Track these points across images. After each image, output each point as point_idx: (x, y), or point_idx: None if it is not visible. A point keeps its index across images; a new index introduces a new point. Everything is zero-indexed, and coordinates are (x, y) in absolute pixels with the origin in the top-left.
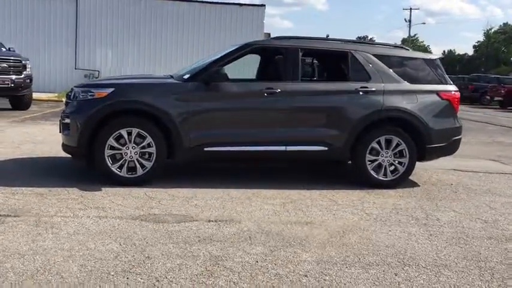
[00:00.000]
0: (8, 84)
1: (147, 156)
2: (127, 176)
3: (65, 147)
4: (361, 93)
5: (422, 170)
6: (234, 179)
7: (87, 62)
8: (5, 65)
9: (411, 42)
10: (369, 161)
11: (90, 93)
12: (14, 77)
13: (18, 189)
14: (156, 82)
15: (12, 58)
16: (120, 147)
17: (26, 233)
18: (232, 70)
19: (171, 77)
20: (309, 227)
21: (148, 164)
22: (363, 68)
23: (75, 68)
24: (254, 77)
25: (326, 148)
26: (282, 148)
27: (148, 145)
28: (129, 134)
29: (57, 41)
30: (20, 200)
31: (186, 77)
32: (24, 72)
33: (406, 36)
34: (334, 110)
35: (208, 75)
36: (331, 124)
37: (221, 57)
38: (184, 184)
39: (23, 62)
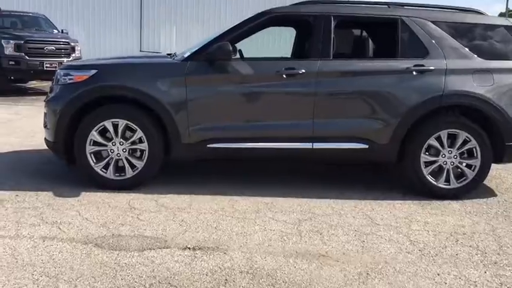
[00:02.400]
0: (56, 67)
1: (138, 154)
2: (113, 178)
3: (45, 141)
4: (414, 73)
5: (505, 171)
6: (247, 183)
7: (151, 44)
8: (53, 48)
9: (510, 15)
10: (425, 162)
11: (69, 77)
12: (63, 59)
13: None
14: (146, 62)
15: (61, 40)
16: (105, 142)
17: None
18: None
19: (171, 56)
20: (319, 263)
21: (140, 164)
22: (418, 39)
23: (140, 51)
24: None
25: (366, 146)
26: (308, 146)
27: (140, 140)
28: (116, 126)
29: (123, 22)
30: None
31: (185, 55)
32: (73, 55)
33: (503, 10)
34: (378, 96)
35: (211, 52)
36: (373, 115)
37: (230, 29)
38: (183, 188)
39: (72, 44)
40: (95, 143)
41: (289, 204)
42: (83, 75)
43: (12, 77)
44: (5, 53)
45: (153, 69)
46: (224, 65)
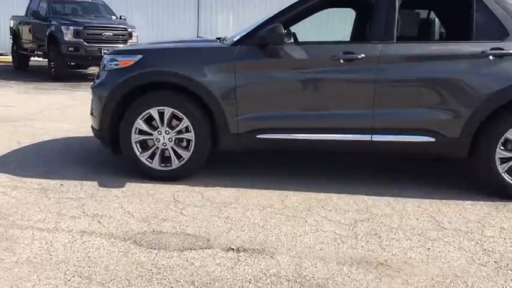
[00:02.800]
0: None
1: (184, 143)
2: (159, 168)
3: (92, 129)
4: (491, 57)
5: None
6: (298, 177)
7: (208, 29)
8: (111, 34)
9: None
10: (501, 159)
11: (115, 62)
12: (120, 45)
13: (29, 180)
14: (193, 47)
15: (119, 26)
16: (151, 131)
17: None
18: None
19: (220, 40)
20: (377, 273)
21: (186, 154)
22: (496, 19)
23: (197, 36)
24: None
25: (432, 139)
26: (367, 137)
27: (186, 129)
28: (162, 114)
29: (180, 7)
30: (14, 197)
31: (235, 39)
32: (130, 41)
33: None
34: (448, 83)
35: (262, 36)
36: (441, 105)
37: (283, 11)
38: (230, 181)
39: (129, 30)
40: (141, 132)
41: (344, 201)
42: (129, 61)
43: (71, 63)
44: (65, 39)
45: (200, 54)
46: (276, 50)
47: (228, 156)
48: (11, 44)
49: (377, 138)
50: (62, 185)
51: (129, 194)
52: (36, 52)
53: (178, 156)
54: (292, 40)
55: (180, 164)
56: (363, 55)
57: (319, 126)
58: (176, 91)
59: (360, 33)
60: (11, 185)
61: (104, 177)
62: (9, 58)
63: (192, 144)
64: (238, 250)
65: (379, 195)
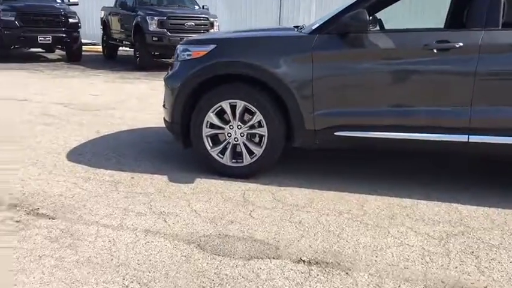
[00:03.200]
0: None
1: (257, 139)
2: (230, 164)
3: (164, 121)
4: None
5: None
6: (381, 180)
7: (290, 18)
8: (193, 23)
9: None
10: None
11: (187, 52)
12: None
13: (102, 172)
14: (268, 36)
15: (201, 16)
16: (222, 125)
17: (26, 253)
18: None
19: (298, 29)
20: None
21: (258, 151)
22: None
23: (279, 25)
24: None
25: None
26: (462, 138)
27: (259, 124)
28: (233, 108)
29: None
30: (85, 189)
31: (314, 27)
32: (211, 31)
33: None
34: None
35: (344, 23)
36: None
37: None
38: (305, 181)
39: (211, 19)
40: (212, 126)
41: (433, 210)
42: (201, 51)
43: (155, 53)
44: (149, 29)
45: (275, 43)
46: (359, 38)
47: (304, 153)
48: (102, 34)
49: (475, 139)
50: (132, 178)
51: (198, 191)
52: (124, 42)
53: (250, 153)
54: (377, 28)
55: (252, 161)
56: (461, 44)
57: (405, 124)
58: (249, 83)
59: (456, 19)
60: (84, 176)
61: (175, 172)
62: (100, 48)
63: (265, 140)
64: (309, 263)
65: (475, 205)
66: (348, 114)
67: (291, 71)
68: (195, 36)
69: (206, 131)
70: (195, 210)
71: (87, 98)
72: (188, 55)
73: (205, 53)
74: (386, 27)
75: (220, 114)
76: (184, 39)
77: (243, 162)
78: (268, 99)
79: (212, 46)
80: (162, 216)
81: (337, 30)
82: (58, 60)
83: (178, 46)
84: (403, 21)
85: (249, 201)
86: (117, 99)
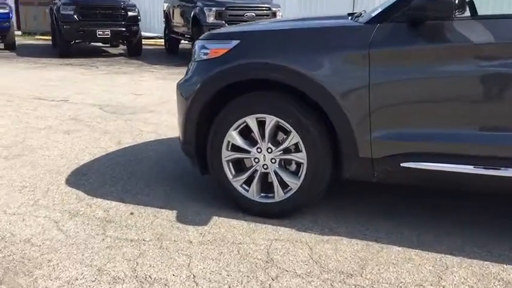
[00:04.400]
0: None
1: (293, 167)
2: (257, 199)
3: (179, 140)
4: None
5: None
6: (473, 229)
7: (365, 4)
8: (253, 14)
9: None
10: None
11: (204, 50)
12: None
13: (97, 203)
14: (309, 28)
15: (262, 6)
16: (248, 148)
17: None
18: None
19: (354, 17)
20: None
21: (295, 183)
22: None
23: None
24: None
25: None
26: None
27: (296, 148)
28: (262, 125)
29: None
30: (64, 232)
31: (373, 14)
32: None
33: None
34: None
35: (418, 6)
36: None
37: None
38: (357, 226)
39: (273, 9)
40: (234, 148)
41: None
42: (221, 48)
43: None
44: (207, 21)
45: (317, 38)
46: (440, 28)
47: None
48: (164, 28)
49: None
50: (132, 213)
51: (208, 240)
52: (184, 36)
53: (284, 185)
54: (467, 13)
55: (286, 197)
56: None
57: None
58: (283, 92)
59: None
60: (74, 209)
61: (190, 205)
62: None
63: (304, 168)
64: None
65: None
66: (422, 137)
67: (338, 77)
68: (220, 29)
69: (226, 155)
70: (194, 276)
71: (127, 98)
72: (205, 54)
73: (226, 51)
74: (480, 12)
75: (246, 133)
76: (206, 32)
77: (274, 197)
78: (309, 115)
79: (235, 42)
80: (144, 286)
81: (407, 17)
82: (119, 55)
83: (197, 42)
84: (502, 4)
85: (273, 261)
86: (160, 100)
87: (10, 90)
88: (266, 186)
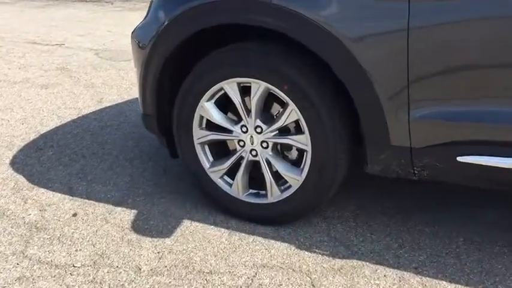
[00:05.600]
0: None
1: (294, 155)
2: (243, 199)
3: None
4: None
5: None
6: None
7: None
8: None
9: None
10: None
11: None
12: None
13: (34, 196)
14: None
15: None
16: (229, 126)
17: None
18: None
19: None
20: None
21: (295, 178)
22: None
23: None
24: None
25: None
26: None
27: (297, 128)
28: (246, 92)
29: None
30: None
31: None
32: None
33: None
34: None
35: None
36: None
37: None
38: (386, 241)
39: None
40: (210, 126)
41: None
42: None
43: None
44: None
45: None
46: None
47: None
48: None
49: None
50: (74, 215)
51: (164, 267)
52: None
53: (280, 181)
54: None
55: (284, 197)
56: None
57: None
58: (275, 45)
59: None
60: (2, 206)
61: (153, 203)
62: None
63: (308, 157)
64: None
65: None
66: (497, 117)
67: (357, 21)
68: None
69: (199, 135)
70: None
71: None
72: None
73: None
74: None
75: (223, 103)
76: None
77: (266, 196)
78: (313, 80)
79: None
80: None
81: None
82: None
83: None
84: None
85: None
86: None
87: (8, 33)
88: (257, 180)
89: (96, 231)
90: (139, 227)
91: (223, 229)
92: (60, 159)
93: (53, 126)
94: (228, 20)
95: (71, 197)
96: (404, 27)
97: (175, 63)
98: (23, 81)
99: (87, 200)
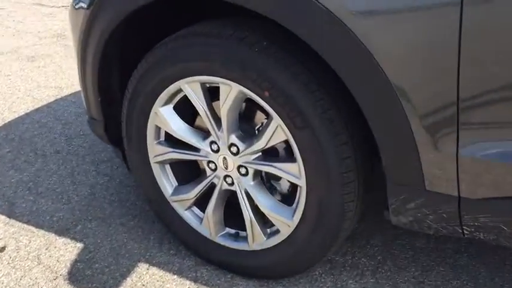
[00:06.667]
0: None
1: (284, 187)
2: (217, 240)
3: None
4: None
5: None
6: None
7: None
8: None
9: None
10: None
11: None
12: None
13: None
14: None
15: None
16: (194, 141)
17: None
18: None
19: None
20: None
21: (285, 222)
22: None
23: None
24: None
25: None
26: None
27: (288, 151)
28: (210, 94)
29: None
30: None
31: None
32: None
33: None
34: None
35: None
36: None
37: None
38: None
39: None
40: (170, 139)
41: None
42: None
43: None
44: None
45: None
46: None
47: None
48: None
49: None
50: (2, 249)
51: None
52: None
53: (265, 222)
54: None
55: (270, 244)
56: None
57: None
58: (255, 28)
59: None
60: None
61: (107, 233)
62: None
63: (302, 195)
64: None
65: None
66: None
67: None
68: None
69: (157, 152)
70: None
71: None
72: None
73: None
74: None
75: (186, 109)
76: None
77: (246, 240)
78: (308, 84)
79: None
80: None
81: None
82: None
83: None
84: None
85: None
86: None
87: None
88: (236, 216)
89: (21, 279)
90: (78, 272)
91: (188, 281)
92: (15, 160)
93: (22, 113)
94: None
95: (7, 220)
96: (456, 25)
97: (123, 51)
98: (11, 52)
99: (25, 226)
